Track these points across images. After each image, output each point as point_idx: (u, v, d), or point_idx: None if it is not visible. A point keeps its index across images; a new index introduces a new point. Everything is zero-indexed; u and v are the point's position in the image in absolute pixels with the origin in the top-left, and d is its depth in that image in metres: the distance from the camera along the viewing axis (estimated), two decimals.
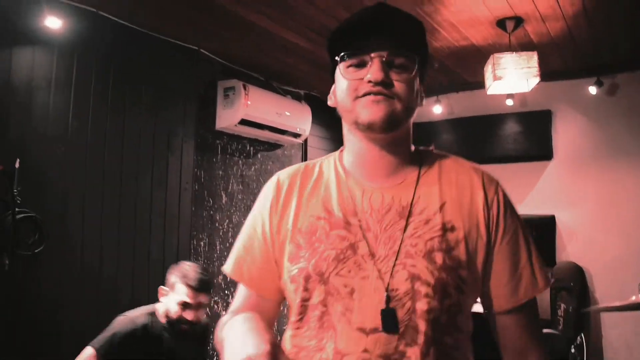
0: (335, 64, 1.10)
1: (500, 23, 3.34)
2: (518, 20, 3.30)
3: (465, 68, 4.30)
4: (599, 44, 3.80)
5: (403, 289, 1.00)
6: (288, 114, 4.35)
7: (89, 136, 3.06)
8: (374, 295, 1.00)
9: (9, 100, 2.71)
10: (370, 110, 1.02)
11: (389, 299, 0.99)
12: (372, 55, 1.03)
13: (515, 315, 1.09)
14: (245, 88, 3.90)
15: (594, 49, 3.91)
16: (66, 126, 2.96)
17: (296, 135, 4.55)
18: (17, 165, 2.70)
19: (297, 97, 4.79)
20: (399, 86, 1.03)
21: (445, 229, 1.04)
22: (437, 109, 4.87)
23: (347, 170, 1.14)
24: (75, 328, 2.83)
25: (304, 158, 5.01)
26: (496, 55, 3.25)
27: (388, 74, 1.03)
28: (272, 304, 1.19)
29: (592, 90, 4.27)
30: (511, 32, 3.38)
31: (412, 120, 1.11)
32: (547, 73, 3.86)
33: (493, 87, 3.33)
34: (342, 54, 1.07)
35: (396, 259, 1.01)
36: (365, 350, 0.98)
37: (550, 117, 4.60)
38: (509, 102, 4.46)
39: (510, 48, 3.42)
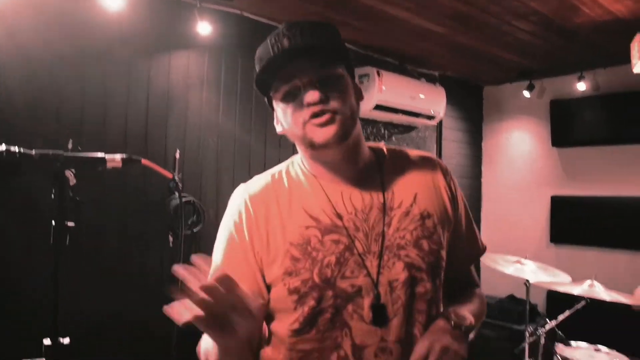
0: (270, 98, 1.18)
1: None
2: None
3: (612, 42, 4.02)
4: None
5: (402, 278, 1.12)
6: (422, 96, 4.42)
7: (237, 128, 3.43)
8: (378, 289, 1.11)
9: (169, 97, 3.17)
10: (321, 133, 1.09)
11: (378, 296, 1.09)
12: (302, 80, 1.09)
13: (468, 269, 1.38)
14: (379, 74, 4.04)
15: None
16: (217, 119, 3.36)
17: (430, 118, 4.61)
18: (177, 155, 3.12)
19: (431, 79, 4.84)
20: (336, 99, 1.10)
21: (423, 217, 1.18)
22: (580, 86, 4.62)
23: (317, 177, 1.19)
24: None
25: (439, 139, 5.05)
26: None
27: (323, 92, 1.08)
28: None
29: None
30: None
31: (358, 120, 1.18)
32: None
33: (639, 66, 3.13)
34: (274, 85, 1.13)
35: (390, 252, 1.13)
36: (383, 340, 1.09)
37: None
38: None
39: None
